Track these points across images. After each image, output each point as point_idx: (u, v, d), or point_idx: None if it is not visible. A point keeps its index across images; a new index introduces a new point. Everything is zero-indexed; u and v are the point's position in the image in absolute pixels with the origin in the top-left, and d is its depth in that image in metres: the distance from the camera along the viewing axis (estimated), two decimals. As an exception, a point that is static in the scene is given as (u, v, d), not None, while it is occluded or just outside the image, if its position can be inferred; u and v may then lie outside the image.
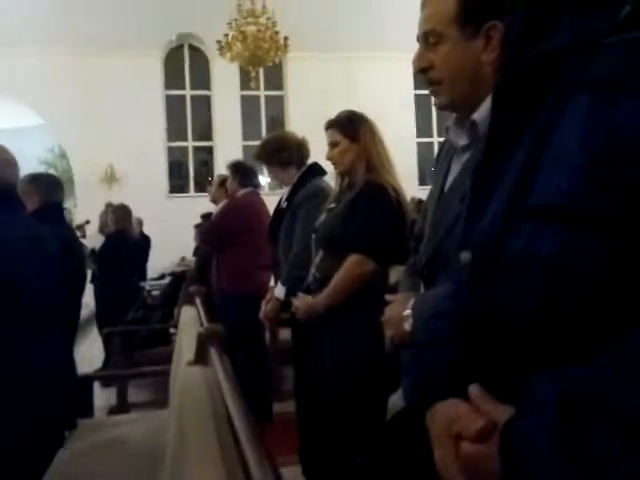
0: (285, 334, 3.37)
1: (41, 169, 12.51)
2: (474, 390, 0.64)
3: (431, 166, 10.86)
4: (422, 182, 10.46)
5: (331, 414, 2.10)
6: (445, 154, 1.33)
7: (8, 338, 1.69)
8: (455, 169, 1.23)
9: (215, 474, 0.87)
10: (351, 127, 2.15)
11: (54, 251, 2.02)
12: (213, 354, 1.51)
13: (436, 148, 10.90)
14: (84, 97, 9.10)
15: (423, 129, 10.98)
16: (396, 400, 1.92)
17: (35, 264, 1.85)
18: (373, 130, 2.18)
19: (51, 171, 12.96)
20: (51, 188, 2.74)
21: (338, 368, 2.04)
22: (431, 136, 11.06)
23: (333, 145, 2.17)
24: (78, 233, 5.15)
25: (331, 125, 2.22)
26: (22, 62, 8.70)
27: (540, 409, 0.53)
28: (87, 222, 6.05)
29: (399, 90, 10.22)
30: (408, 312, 1.20)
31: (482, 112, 1.11)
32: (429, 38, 1.16)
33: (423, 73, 1.19)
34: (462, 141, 1.20)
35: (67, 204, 6.15)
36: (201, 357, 1.57)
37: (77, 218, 7.75)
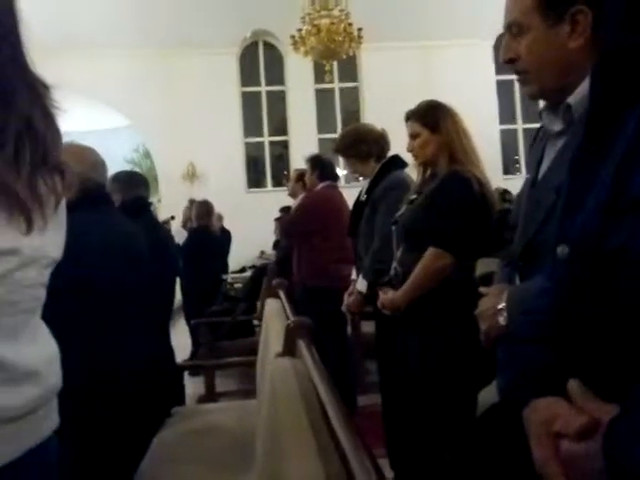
0: (367, 327, 3.37)
1: (127, 168, 13.19)
2: (574, 386, 0.63)
3: (515, 154, 10.53)
4: (507, 171, 10.10)
5: (418, 408, 2.08)
6: (539, 140, 1.30)
7: (108, 332, 1.76)
8: (549, 156, 1.20)
9: (312, 463, 0.88)
10: (432, 117, 2.12)
11: (144, 246, 2.08)
12: (301, 346, 1.53)
13: (520, 135, 10.50)
14: (166, 98, 9.47)
15: (506, 116, 10.51)
16: (487, 395, 1.88)
17: (127, 260, 1.90)
18: (455, 120, 2.14)
19: (136, 170, 13.62)
20: (132, 184, 2.81)
21: (424, 362, 2.03)
22: (515, 122, 10.59)
23: (413, 136, 2.15)
24: (164, 229, 5.37)
25: (411, 116, 2.19)
26: (108, 66, 9.14)
27: None
28: (172, 218, 6.31)
29: (479, 77, 9.88)
30: (502, 305, 1.19)
31: (577, 95, 1.09)
32: (513, 28, 1.15)
33: (510, 64, 1.18)
34: (556, 126, 1.18)
35: (152, 200, 6.43)
36: (289, 349, 1.59)
37: (162, 214, 8.10)
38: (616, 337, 0.60)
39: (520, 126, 10.47)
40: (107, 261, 1.79)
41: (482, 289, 1.34)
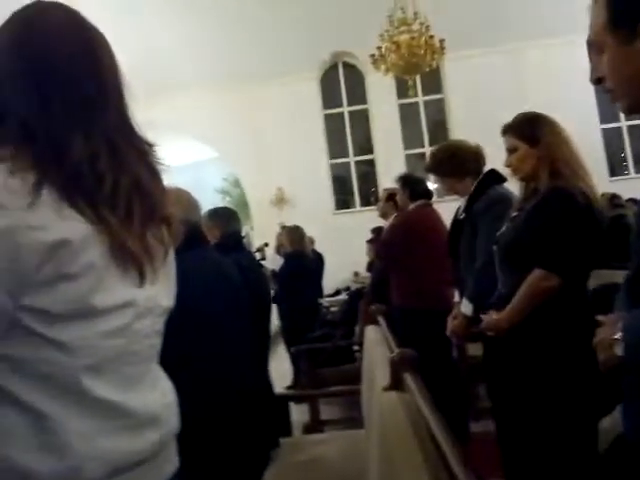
0: (474, 350, 3.23)
1: (218, 197, 13.74)
2: None
3: (621, 152, 9.86)
4: (613, 173, 9.48)
5: (534, 435, 1.96)
6: None
7: (208, 366, 1.81)
8: None
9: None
10: (530, 130, 2.02)
11: (238, 279, 2.13)
12: (408, 379, 1.49)
13: (625, 132, 9.82)
14: (250, 127, 9.79)
15: (607, 114, 9.81)
16: (609, 425, 1.73)
17: (222, 295, 1.96)
18: (556, 130, 2.02)
19: (227, 198, 14.16)
20: (229, 220, 2.92)
21: (537, 388, 1.91)
22: (618, 120, 9.88)
23: (511, 151, 2.07)
24: (258, 255, 5.48)
25: (507, 130, 2.11)
26: (195, 101, 9.60)
27: None
28: (266, 245, 6.43)
29: (575, 75, 9.35)
30: (619, 335, 1.11)
31: None
32: (593, 48, 1.14)
33: (599, 84, 1.15)
34: None
35: (244, 228, 6.61)
36: (396, 382, 1.56)
37: (254, 241, 8.31)
38: None
39: (624, 123, 9.82)
40: (211, 296, 1.87)
41: (599, 317, 1.24)
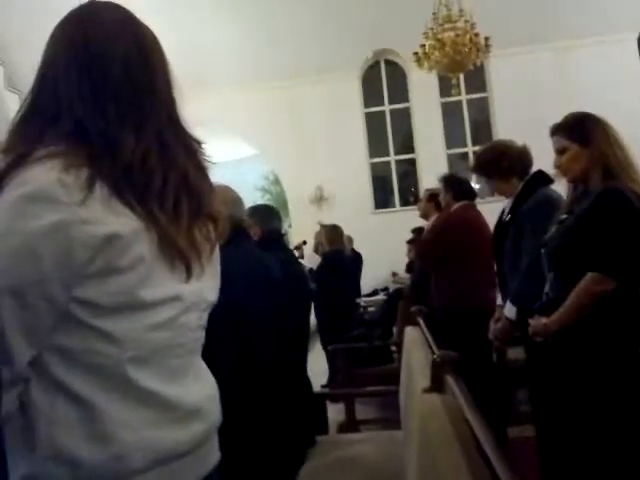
0: (513, 354, 3.17)
1: (257, 194, 13.85)
2: None
3: None
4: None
5: (576, 442, 1.92)
6: None
7: (248, 360, 1.83)
8: None
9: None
10: (580, 130, 1.99)
11: (279, 276, 2.16)
12: (450, 382, 1.47)
13: None
14: (291, 125, 9.81)
15: None
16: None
17: (264, 290, 1.99)
18: (607, 131, 1.99)
19: (267, 196, 14.26)
20: (269, 217, 2.94)
21: (582, 393, 1.87)
22: None
23: (560, 152, 2.03)
24: (296, 253, 5.49)
25: (556, 130, 2.07)
26: (234, 98, 9.63)
27: None
28: (304, 243, 6.44)
29: (624, 73, 9.04)
30: None
31: None
32: None
33: None
34: None
35: (283, 226, 6.64)
36: (437, 384, 1.55)
37: (293, 239, 8.34)
38: None
39: None
40: (254, 291, 1.90)
41: None
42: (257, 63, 9.44)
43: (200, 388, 0.92)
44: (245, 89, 9.64)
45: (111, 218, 0.77)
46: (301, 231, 8.40)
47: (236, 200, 2.10)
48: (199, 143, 0.94)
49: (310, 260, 5.81)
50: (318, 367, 4.79)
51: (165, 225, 0.83)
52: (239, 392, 1.68)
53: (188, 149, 0.91)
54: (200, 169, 0.93)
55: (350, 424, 3.02)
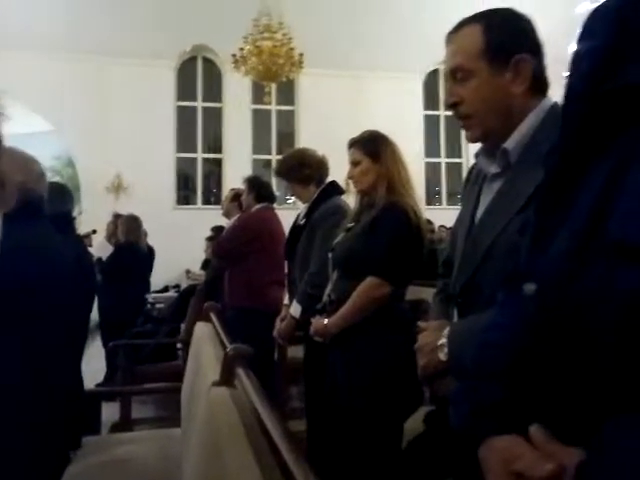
0: (292, 352, 3.30)
1: (47, 176, 12.54)
2: (537, 431, 0.62)
3: (436, 186, 11.14)
4: (429, 202, 10.56)
5: (344, 435, 2.05)
6: (474, 181, 1.33)
7: (29, 350, 1.63)
8: (487, 197, 1.24)
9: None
10: (373, 147, 2.14)
11: (72, 262, 1.99)
12: (242, 375, 1.47)
13: (443, 168, 11.16)
14: (94, 105, 9.12)
15: (431, 149, 11.09)
16: (413, 425, 1.87)
17: (58, 275, 1.81)
18: (395, 151, 2.18)
19: (56, 178, 12.98)
20: (61, 197, 2.69)
21: (352, 387, 2.01)
22: (439, 156, 11.21)
23: (354, 164, 2.17)
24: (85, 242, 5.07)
25: (353, 143, 2.21)
26: (31, 66, 8.70)
27: (622, 456, 0.50)
28: (94, 232, 5.95)
29: (408, 110, 10.30)
30: (443, 341, 1.20)
31: (514, 141, 1.16)
32: (457, 74, 1.20)
33: (453, 108, 1.22)
34: (493, 169, 1.22)
35: (73, 212, 6.09)
36: (228, 378, 1.53)
37: (82, 227, 7.67)
38: (585, 376, 0.59)
39: (443, 160, 11.21)
40: (45, 272, 1.67)
41: (421, 323, 1.35)
42: (65, 32, 8.57)
43: None
44: (44, 56, 8.69)
45: None
46: (93, 220, 7.77)
47: (41, 174, 1.90)
48: None
49: (100, 249, 5.41)
50: (97, 366, 4.45)
51: None
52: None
53: None
54: None
55: (124, 423, 2.85)
